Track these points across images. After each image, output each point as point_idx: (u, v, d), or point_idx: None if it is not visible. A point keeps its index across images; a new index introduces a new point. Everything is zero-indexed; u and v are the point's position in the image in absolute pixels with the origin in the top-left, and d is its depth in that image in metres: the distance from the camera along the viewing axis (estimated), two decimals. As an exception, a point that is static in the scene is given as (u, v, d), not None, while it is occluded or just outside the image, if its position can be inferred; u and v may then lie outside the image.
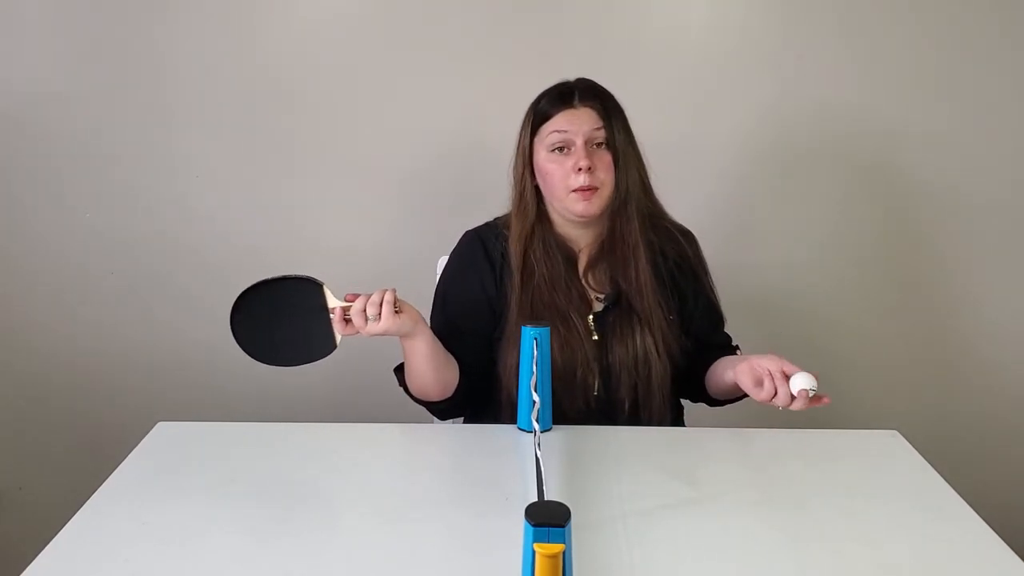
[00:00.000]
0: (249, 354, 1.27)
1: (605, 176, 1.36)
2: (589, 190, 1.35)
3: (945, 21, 1.85)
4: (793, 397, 1.22)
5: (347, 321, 1.25)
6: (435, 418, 1.47)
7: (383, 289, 1.25)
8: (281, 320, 1.26)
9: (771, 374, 1.23)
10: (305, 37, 1.85)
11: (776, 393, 1.22)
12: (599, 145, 1.37)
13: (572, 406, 1.37)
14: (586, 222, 1.41)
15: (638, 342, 1.38)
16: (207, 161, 1.90)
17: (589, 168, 1.34)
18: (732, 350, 1.50)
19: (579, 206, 1.36)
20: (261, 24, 1.84)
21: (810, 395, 1.21)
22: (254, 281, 1.26)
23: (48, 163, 1.89)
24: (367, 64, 1.86)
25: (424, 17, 1.84)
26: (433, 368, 1.34)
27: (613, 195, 1.38)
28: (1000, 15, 1.85)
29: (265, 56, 1.86)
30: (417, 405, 1.43)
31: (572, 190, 1.35)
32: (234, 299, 1.25)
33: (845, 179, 1.93)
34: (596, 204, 1.36)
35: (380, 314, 1.24)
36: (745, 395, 1.42)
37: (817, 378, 1.22)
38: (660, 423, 1.41)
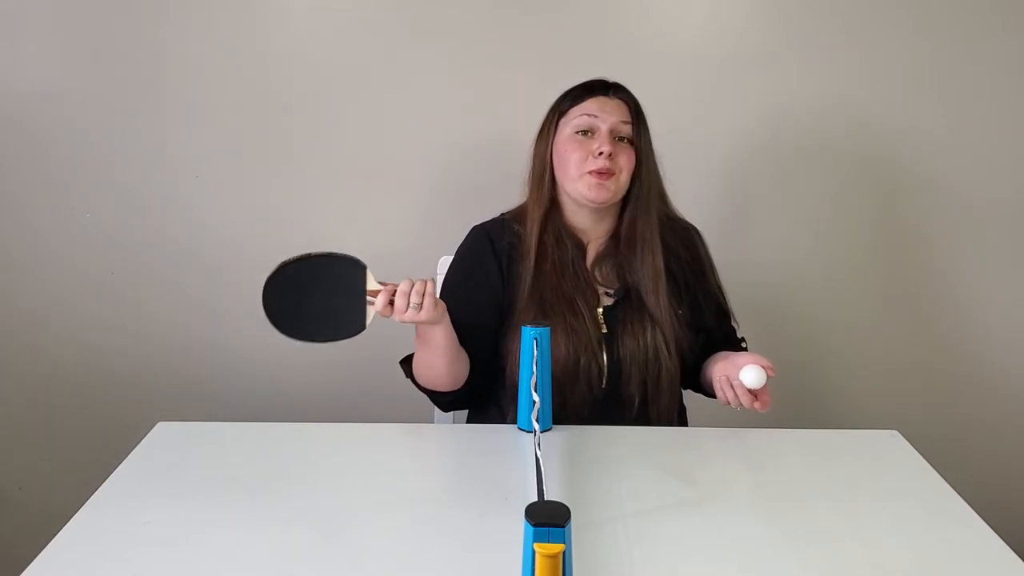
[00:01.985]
0: (274, 324, 1.23)
1: (624, 166, 1.38)
2: (605, 173, 1.36)
3: (945, 21, 1.85)
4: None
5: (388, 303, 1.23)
6: (437, 410, 1.47)
7: (423, 279, 1.24)
8: (313, 295, 1.23)
9: (719, 379, 1.31)
10: (306, 37, 1.85)
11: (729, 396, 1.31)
12: (621, 139, 1.39)
13: (575, 395, 1.36)
14: (595, 210, 1.42)
15: (648, 339, 1.38)
16: (208, 161, 1.90)
17: (610, 155, 1.36)
18: (737, 343, 1.52)
19: (592, 191, 1.37)
20: (262, 24, 1.84)
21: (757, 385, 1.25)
22: (284, 260, 1.23)
23: (48, 163, 1.89)
24: (368, 64, 1.86)
25: (425, 16, 1.84)
26: (448, 360, 1.34)
27: (628, 188, 1.41)
28: (1000, 15, 1.84)
29: (266, 56, 1.86)
30: (415, 402, 1.43)
31: (588, 171, 1.36)
32: (265, 277, 1.22)
33: (845, 178, 1.93)
34: (610, 190, 1.38)
35: (422, 304, 1.23)
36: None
37: (769, 370, 1.25)
38: (668, 420, 1.42)
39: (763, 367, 1.25)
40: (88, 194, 1.91)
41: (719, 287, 1.50)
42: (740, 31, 1.86)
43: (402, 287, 1.22)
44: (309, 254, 1.22)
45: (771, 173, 1.92)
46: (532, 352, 1.23)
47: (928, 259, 1.97)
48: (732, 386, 1.30)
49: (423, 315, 1.23)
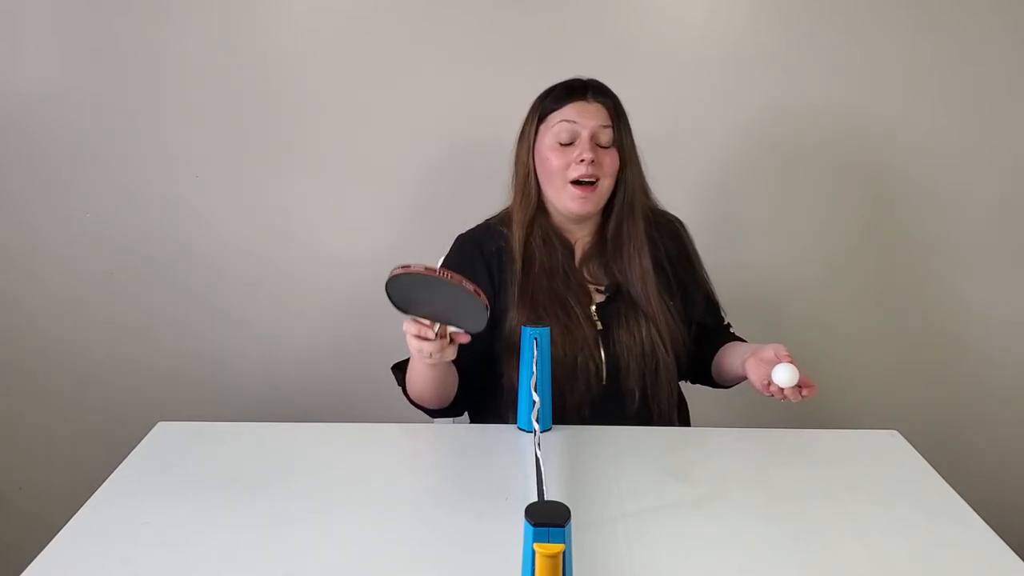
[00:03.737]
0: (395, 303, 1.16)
1: (607, 171, 1.38)
2: (588, 187, 1.36)
3: (945, 21, 1.84)
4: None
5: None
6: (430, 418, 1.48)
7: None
8: (433, 296, 1.16)
9: (766, 385, 1.28)
10: (305, 37, 1.85)
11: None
12: (602, 144, 1.38)
13: (575, 393, 1.36)
14: (580, 218, 1.42)
15: (644, 333, 1.39)
16: (207, 161, 1.90)
17: (592, 161, 1.35)
18: (726, 329, 1.53)
19: (575, 204, 1.37)
20: (262, 24, 1.84)
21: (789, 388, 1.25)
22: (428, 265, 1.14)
23: (48, 163, 1.89)
24: (367, 64, 1.86)
25: (423, 17, 1.84)
26: (435, 385, 1.35)
27: (613, 195, 1.40)
28: (1000, 15, 1.84)
29: (265, 56, 1.85)
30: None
31: (571, 180, 1.36)
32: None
33: (846, 178, 1.93)
34: (592, 202, 1.38)
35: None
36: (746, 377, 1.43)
37: (798, 369, 1.25)
38: (669, 413, 1.42)
39: (789, 363, 1.25)
40: (88, 194, 1.90)
41: (704, 275, 1.51)
42: (740, 31, 1.86)
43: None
44: (449, 273, 1.13)
45: (771, 173, 1.92)
46: (532, 352, 1.23)
47: (928, 259, 1.97)
48: (781, 391, 1.27)
49: (432, 360, 1.20)
